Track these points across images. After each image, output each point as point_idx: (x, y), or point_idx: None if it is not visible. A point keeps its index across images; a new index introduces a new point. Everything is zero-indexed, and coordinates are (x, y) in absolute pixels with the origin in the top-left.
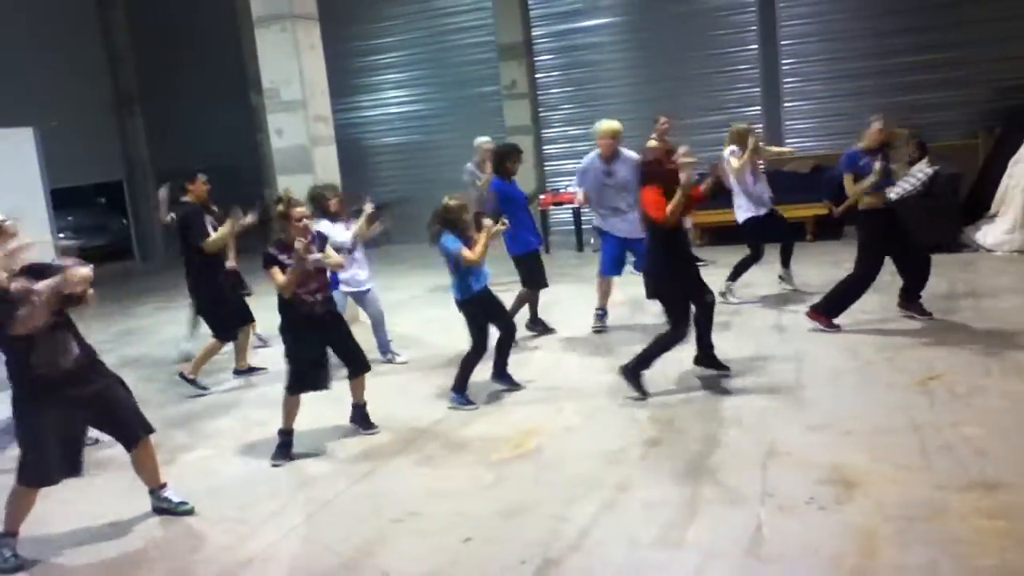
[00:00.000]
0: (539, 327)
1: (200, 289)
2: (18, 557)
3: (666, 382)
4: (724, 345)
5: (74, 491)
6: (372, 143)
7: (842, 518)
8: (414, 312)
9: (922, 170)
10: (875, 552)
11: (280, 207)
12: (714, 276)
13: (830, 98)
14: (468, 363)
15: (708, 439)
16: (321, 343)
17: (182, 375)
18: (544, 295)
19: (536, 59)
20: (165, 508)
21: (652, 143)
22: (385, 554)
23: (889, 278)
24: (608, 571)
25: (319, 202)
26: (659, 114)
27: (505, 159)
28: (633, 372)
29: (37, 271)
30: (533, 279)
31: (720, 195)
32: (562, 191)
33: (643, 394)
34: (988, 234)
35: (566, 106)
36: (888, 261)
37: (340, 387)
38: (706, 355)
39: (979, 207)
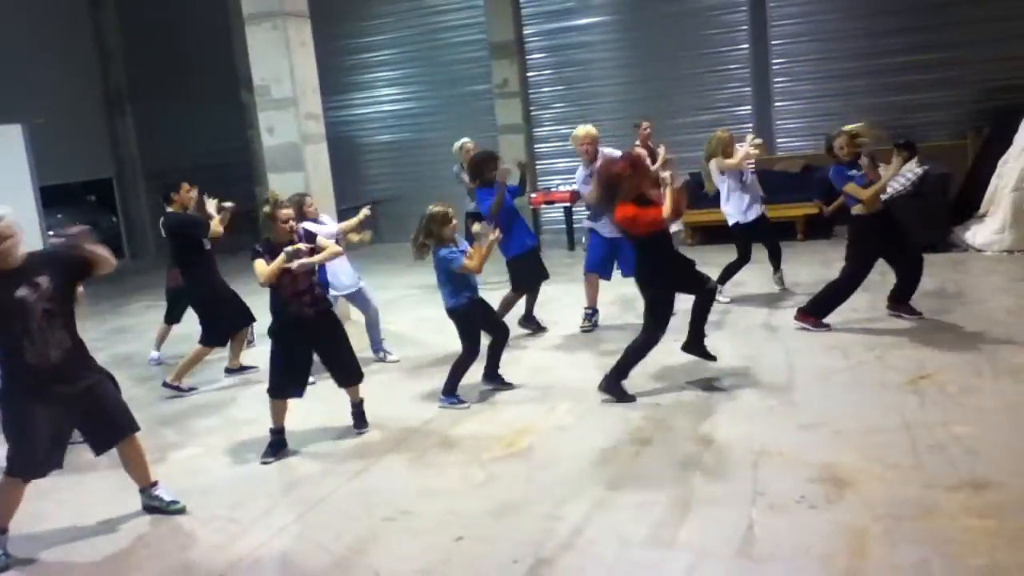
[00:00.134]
0: (532, 325)
1: (199, 295)
2: (9, 556)
3: (657, 382)
4: (715, 344)
5: (66, 490)
6: (363, 141)
7: (833, 517)
8: (406, 311)
9: (912, 170)
10: (865, 551)
11: (267, 208)
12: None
13: (820, 98)
14: (459, 368)
15: (699, 438)
16: (308, 346)
17: (166, 384)
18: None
19: (528, 58)
20: (156, 507)
21: (638, 150)
22: (377, 553)
23: (879, 277)
24: (600, 570)
25: (297, 210)
26: (640, 118)
27: (483, 168)
28: (615, 384)
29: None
30: (523, 282)
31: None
32: (553, 190)
33: (631, 400)
34: (977, 234)
35: (557, 105)
36: (879, 261)
37: (327, 386)
38: (697, 341)
39: (968, 207)
